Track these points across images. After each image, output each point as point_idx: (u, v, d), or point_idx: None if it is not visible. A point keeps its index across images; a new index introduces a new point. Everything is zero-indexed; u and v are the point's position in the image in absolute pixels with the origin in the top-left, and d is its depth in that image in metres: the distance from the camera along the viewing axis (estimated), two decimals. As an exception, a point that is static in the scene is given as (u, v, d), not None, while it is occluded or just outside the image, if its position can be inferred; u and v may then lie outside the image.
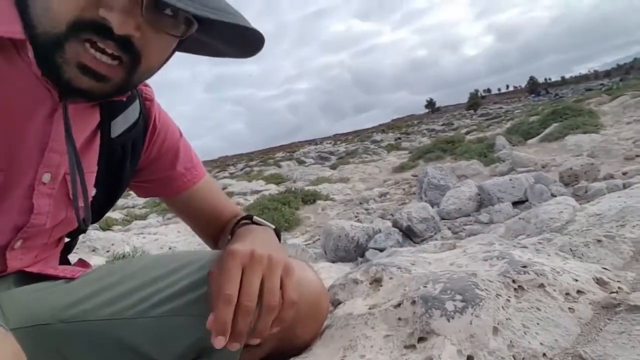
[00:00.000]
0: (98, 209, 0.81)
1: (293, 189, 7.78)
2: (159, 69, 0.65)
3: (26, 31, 0.56)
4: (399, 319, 0.77)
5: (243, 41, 0.67)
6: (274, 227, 0.80)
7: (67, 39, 0.54)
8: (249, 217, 0.82)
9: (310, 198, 6.87)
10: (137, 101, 0.79)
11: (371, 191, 7.22)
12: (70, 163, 0.67)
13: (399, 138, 28.39)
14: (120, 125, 0.77)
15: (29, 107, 0.62)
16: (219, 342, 0.56)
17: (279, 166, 20.19)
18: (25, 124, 0.62)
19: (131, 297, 0.69)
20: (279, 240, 0.79)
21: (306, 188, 7.96)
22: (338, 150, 27.30)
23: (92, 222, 0.88)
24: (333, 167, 14.43)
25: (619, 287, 0.87)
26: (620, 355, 0.63)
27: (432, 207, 3.62)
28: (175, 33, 0.59)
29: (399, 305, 0.80)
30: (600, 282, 0.90)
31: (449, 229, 3.32)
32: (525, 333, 0.71)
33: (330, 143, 44.08)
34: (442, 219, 3.59)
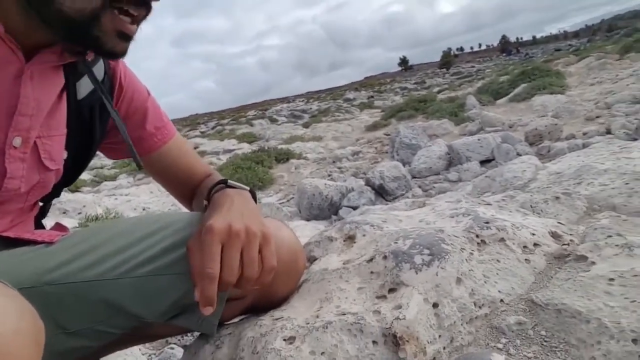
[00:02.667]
0: (70, 172, 0.81)
1: (266, 147, 7.74)
2: None
3: (42, 14, 0.58)
4: (371, 272, 0.83)
5: None
6: (248, 188, 0.82)
7: (104, 11, 0.59)
8: (224, 182, 0.83)
9: (283, 157, 6.87)
10: (101, 61, 0.78)
11: (344, 150, 7.28)
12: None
13: (372, 96, 28.29)
14: (85, 86, 0.76)
15: None
16: (207, 311, 0.61)
17: (252, 125, 19.89)
18: None
19: (114, 258, 0.71)
20: (255, 201, 0.81)
21: (279, 147, 7.94)
22: (311, 108, 27.02)
23: (65, 186, 0.88)
24: (306, 126, 14.35)
25: (570, 240, 0.95)
26: (565, 298, 0.70)
27: (404, 166, 3.72)
28: None
29: (371, 260, 0.86)
30: (554, 235, 0.98)
31: (420, 187, 3.42)
32: (485, 282, 0.79)
33: (303, 101, 43.47)
34: (414, 177, 3.69)
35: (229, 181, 0.82)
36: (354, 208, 2.98)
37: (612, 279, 0.70)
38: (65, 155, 0.77)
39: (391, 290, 0.76)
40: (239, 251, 0.63)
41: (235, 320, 0.89)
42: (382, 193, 3.20)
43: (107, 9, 0.59)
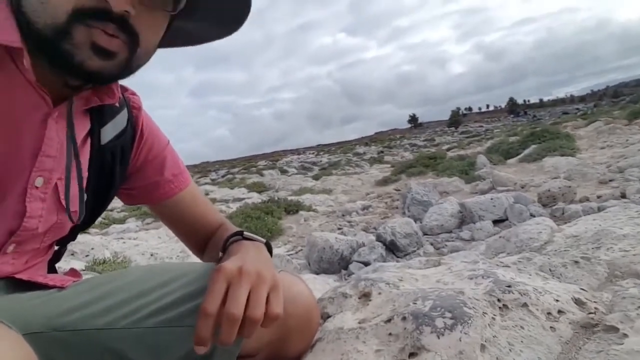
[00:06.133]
0: (88, 215, 0.82)
1: (276, 198, 7.77)
2: (153, 52, 0.68)
3: (24, 34, 0.58)
4: (390, 334, 0.80)
5: (228, 14, 0.72)
6: (264, 241, 0.81)
7: (71, 25, 0.56)
8: (240, 233, 0.82)
9: (293, 208, 6.87)
10: (125, 109, 0.81)
11: (354, 203, 7.27)
12: (68, 161, 0.69)
13: (382, 152, 28.70)
14: (109, 132, 0.79)
15: (23, 113, 0.64)
16: (199, 350, 0.59)
17: (262, 174, 20.12)
18: (19, 130, 0.64)
19: (125, 307, 0.70)
20: (271, 254, 0.80)
21: (289, 198, 7.96)
22: (321, 161, 27.39)
23: (82, 229, 0.88)
24: (316, 178, 14.47)
25: (595, 308, 0.91)
26: (599, 374, 0.66)
27: (415, 222, 3.68)
28: (167, 8, 0.64)
29: (389, 320, 0.83)
30: (578, 302, 0.94)
31: (432, 244, 3.37)
32: (510, 350, 0.75)
33: (314, 153, 44.18)
34: (425, 234, 3.65)
35: (245, 232, 0.82)
36: (365, 264, 2.93)
37: (648, 354, 0.66)
38: (84, 198, 0.78)
39: (412, 355, 0.72)
40: (247, 290, 0.61)
41: (245, 379, 0.85)
42: (393, 249, 3.15)
43: (76, 22, 0.56)
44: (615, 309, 0.86)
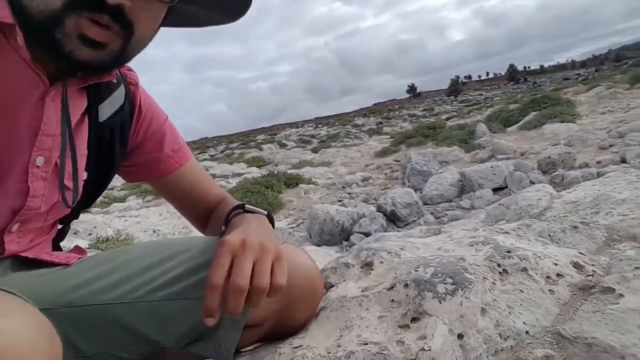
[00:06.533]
0: (89, 194, 0.82)
1: (275, 172, 7.78)
2: (149, 40, 0.67)
3: (16, 14, 0.57)
4: (392, 300, 0.81)
5: (230, 4, 0.70)
6: (266, 213, 0.82)
7: (65, 14, 0.55)
8: (242, 206, 0.83)
9: (292, 181, 6.89)
10: (122, 85, 0.80)
11: (354, 175, 7.28)
12: (63, 142, 0.68)
13: (381, 123, 28.52)
14: (107, 109, 0.78)
15: (19, 92, 0.63)
16: (208, 322, 0.61)
17: (261, 149, 20.07)
18: (16, 108, 0.63)
19: (131, 282, 0.71)
20: (273, 225, 0.81)
21: (289, 171, 7.98)
22: (320, 133, 27.25)
23: (84, 208, 0.89)
24: (315, 151, 14.44)
25: (593, 270, 0.93)
26: (595, 332, 0.68)
27: (415, 192, 3.70)
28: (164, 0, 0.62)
29: (391, 288, 0.84)
30: (576, 265, 0.96)
31: (432, 214, 3.40)
32: (510, 313, 0.77)
33: (312, 126, 43.92)
34: (425, 204, 3.67)
35: (247, 206, 0.82)
36: (366, 234, 2.96)
37: (644, 313, 0.68)
38: (85, 176, 0.78)
39: (414, 320, 0.74)
40: (251, 262, 0.62)
41: (250, 348, 0.88)
42: (393, 219, 3.18)
43: (70, 11, 0.55)
44: (612, 270, 0.88)
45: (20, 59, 0.60)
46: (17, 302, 0.50)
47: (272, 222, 0.81)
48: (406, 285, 0.81)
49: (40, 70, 0.63)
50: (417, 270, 0.86)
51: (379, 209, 3.31)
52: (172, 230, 3.33)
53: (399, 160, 7.86)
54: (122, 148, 0.83)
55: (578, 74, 48.39)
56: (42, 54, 0.61)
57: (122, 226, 3.52)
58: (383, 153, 9.67)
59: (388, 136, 15.43)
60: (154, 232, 3.30)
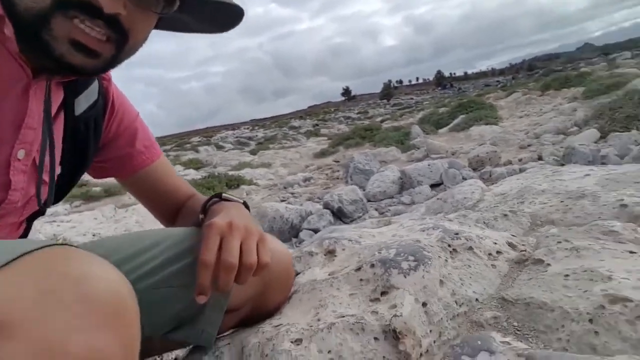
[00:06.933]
0: (61, 189, 0.82)
1: (216, 173, 7.65)
2: (141, 46, 0.68)
3: (5, 9, 0.57)
4: (361, 279, 0.90)
5: (220, 16, 0.73)
6: (243, 200, 0.86)
7: (52, 14, 0.55)
8: (219, 195, 0.86)
9: (234, 183, 6.83)
10: (96, 80, 0.81)
11: (295, 176, 7.36)
12: (44, 136, 0.69)
13: (317, 125, 28.88)
14: (83, 103, 0.78)
15: (3, 84, 0.63)
16: (200, 299, 0.65)
17: (197, 151, 19.48)
18: (0, 100, 0.63)
19: None
20: (249, 212, 0.86)
21: (229, 173, 7.87)
22: (257, 135, 27.01)
23: (55, 202, 0.88)
24: (253, 153, 14.33)
25: (524, 248, 1.09)
26: (532, 293, 0.82)
27: (359, 189, 3.86)
28: (157, 10, 0.64)
29: (359, 269, 0.93)
30: (511, 245, 1.11)
31: (376, 209, 3.58)
32: (462, 284, 0.89)
33: (249, 128, 43.38)
34: (369, 200, 3.85)
35: (224, 194, 0.86)
36: (315, 230, 3.05)
37: (567, 275, 0.83)
38: (59, 171, 0.78)
39: (384, 293, 0.83)
40: (239, 241, 0.67)
41: (228, 333, 0.92)
42: (340, 216, 3.31)
43: (57, 11, 0.54)
44: (540, 246, 1.04)
45: (5, 50, 0.60)
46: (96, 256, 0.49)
47: (248, 209, 0.85)
48: (372, 265, 0.91)
49: (25, 63, 0.63)
50: (380, 252, 0.96)
51: (326, 206, 3.43)
52: (113, 233, 3.19)
53: (338, 161, 8.08)
54: (95, 143, 0.83)
55: (498, 81, 52.31)
56: (30, 53, 0.61)
57: (56, 231, 3.31)
58: (322, 154, 9.86)
59: (326, 138, 15.71)
60: (93, 235, 3.14)
